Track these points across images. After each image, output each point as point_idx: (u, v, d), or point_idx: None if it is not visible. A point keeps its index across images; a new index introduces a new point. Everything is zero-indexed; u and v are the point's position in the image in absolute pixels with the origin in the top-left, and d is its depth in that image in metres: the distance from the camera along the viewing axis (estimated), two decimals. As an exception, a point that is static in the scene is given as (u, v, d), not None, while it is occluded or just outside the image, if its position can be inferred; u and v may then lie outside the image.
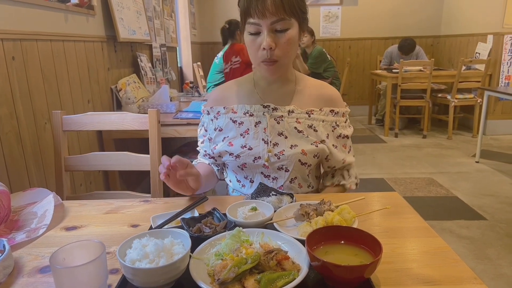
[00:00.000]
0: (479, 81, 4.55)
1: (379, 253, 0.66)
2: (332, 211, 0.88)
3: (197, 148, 1.29)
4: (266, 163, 1.11)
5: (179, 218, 0.89)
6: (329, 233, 0.74)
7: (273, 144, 1.11)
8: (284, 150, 1.10)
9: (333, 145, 1.15)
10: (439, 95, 4.83)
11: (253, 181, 1.15)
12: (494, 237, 2.30)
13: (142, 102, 2.66)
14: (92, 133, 2.25)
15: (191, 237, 0.80)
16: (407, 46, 5.05)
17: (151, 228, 0.89)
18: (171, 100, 2.83)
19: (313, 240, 0.72)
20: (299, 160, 1.11)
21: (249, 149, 1.11)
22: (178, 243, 0.73)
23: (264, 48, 1.00)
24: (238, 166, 1.15)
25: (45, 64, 1.76)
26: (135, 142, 2.70)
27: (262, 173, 1.14)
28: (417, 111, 5.32)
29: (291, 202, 0.96)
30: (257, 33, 1.01)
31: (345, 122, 1.18)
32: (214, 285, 0.66)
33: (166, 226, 0.87)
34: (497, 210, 2.66)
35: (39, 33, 1.72)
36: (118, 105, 2.59)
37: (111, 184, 2.46)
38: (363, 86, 6.24)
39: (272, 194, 0.99)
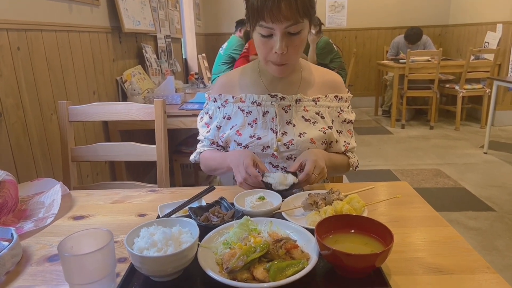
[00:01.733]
0: (488, 71, 4.48)
1: (390, 242, 0.65)
2: (341, 200, 0.87)
3: (199, 137, 1.27)
4: (275, 152, 1.10)
5: (186, 208, 0.88)
6: (338, 222, 0.73)
7: (281, 133, 1.10)
8: (293, 140, 1.09)
9: (337, 130, 1.15)
10: (447, 85, 4.77)
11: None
12: (502, 228, 2.28)
13: (148, 94, 2.66)
14: (98, 124, 2.25)
15: (198, 226, 0.79)
16: (413, 35, 4.98)
17: (158, 217, 0.88)
18: (176, 91, 2.81)
19: (323, 229, 0.71)
20: (308, 149, 1.09)
21: (258, 138, 1.10)
22: (186, 232, 0.72)
23: (276, 52, 0.98)
24: None
25: (50, 54, 1.75)
26: (141, 133, 2.70)
27: (270, 163, 1.13)
28: (424, 102, 5.25)
29: (295, 182, 0.95)
30: (269, 35, 0.98)
31: (348, 108, 1.19)
32: (222, 273, 0.66)
33: (173, 216, 0.86)
34: (506, 202, 2.63)
35: (43, 23, 1.71)
36: (123, 97, 2.58)
37: (118, 175, 2.47)
38: (369, 77, 6.17)
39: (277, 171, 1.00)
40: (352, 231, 0.73)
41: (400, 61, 4.84)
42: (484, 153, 3.65)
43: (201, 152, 1.25)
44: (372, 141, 4.26)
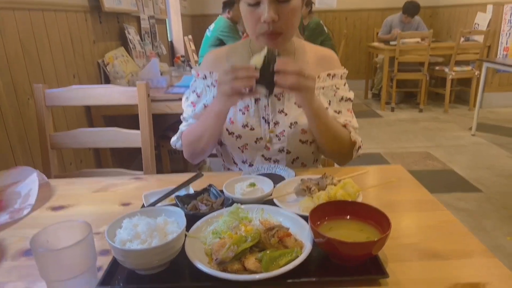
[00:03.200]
0: (477, 53, 4.48)
1: (387, 228, 0.62)
2: (335, 185, 0.83)
3: (183, 116, 1.15)
4: (267, 144, 1.05)
5: (173, 196, 0.84)
6: (333, 208, 0.70)
7: (274, 123, 1.04)
8: (284, 131, 1.04)
9: (335, 111, 1.07)
10: (437, 67, 4.76)
11: (252, 165, 1.08)
12: (490, 209, 2.30)
13: (132, 77, 2.56)
14: (80, 109, 2.16)
15: (186, 215, 0.75)
16: (412, 8, 4.89)
17: (143, 206, 0.83)
18: (161, 75, 2.72)
19: (317, 216, 0.67)
20: (300, 140, 1.05)
21: (251, 129, 1.05)
22: (172, 222, 0.68)
23: (264, 21, 0.90)
24: (238, 148, 1.08)
25: (24, 35, 1.65)
26: (126, 119, 2.62)
27: (262, 155, 1.08)
28: (414, 84, 5.25)
29: (272, 52, 0.83)
30: (256, 4, 0.91)
31: (344, 85, 1.11)
32: (212, 265, 0.62)
33: (159, 204, 0.82)
34: (493, 183, 2.66)
35: (15, 1, 1.60)
36: (106, 80, 2.48)
37: (103, 162, 2.39)
38: (359, 59, 6.12)
39: None
40: (348, 217, 0.69)
41: (391, 43, 4.80)
42: (472, 135, 3.67)
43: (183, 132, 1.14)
44: (362, 124, 4.24)
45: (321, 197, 0.77)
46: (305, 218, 0.72)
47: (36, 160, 1.65)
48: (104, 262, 0.67)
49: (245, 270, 0.60)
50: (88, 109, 2.25)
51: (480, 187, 2.59)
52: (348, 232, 0.67)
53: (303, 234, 0.68)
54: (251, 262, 0.60)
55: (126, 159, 2.79)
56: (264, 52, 0.83)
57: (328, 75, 1.08)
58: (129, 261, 0.60)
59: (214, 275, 0.58)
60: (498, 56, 4.58)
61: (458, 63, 4.56)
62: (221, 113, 0.95)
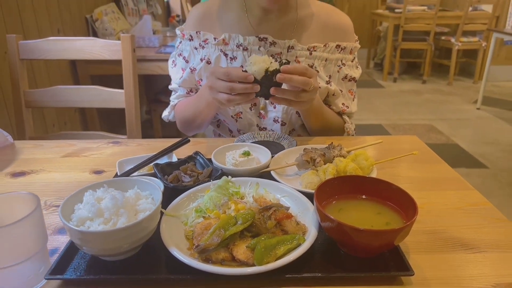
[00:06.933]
0: (485, 23, 4.26)
1: (412, 213, 0.50)
2: (344, 157, 0.71)
3: (172, 87, 1.04)
4: (262, 111, 0.93)
5: (152, 164, 0.71)
6: (343, 185, 0.57)
7: None
8: None
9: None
10: (443, 37, 4.54)
11: None
12: (495, 186, 2.21)
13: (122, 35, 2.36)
14: (64, 67, 1.98)
15: (166, 187, 0.63)
16: None
17: (116, 175, 0.71)
18: (154, 34, 2.52)
19: (324, 194, 0.55)
20: (297, 112, 0.92)
21: None
22: (145, 196, 0.55)
23: None
24: (232, 117, 0.94)
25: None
26: (117, 80, 2.44)
27: (257, 125, 0.96)
28: (418, 55, 5.04)
29: (276, 69, 0.70)
30: None
31: (352, 61, 0.96)
32: (192, 252, 0.50)
33: (135, 174, 0.69)
34: (499, 159, 2.55)
35: None
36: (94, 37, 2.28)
37: (90, 125, 2.25)
38: (362, 27, 5.82)
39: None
40: (362, 196, 0.57)
41: (396, 10, 4.55)
42: (477, 108, 3.54)
43: (175, 105, 1.02)
44: (363, 95, 4.08)
45: (328, 170, 0.65)
46: (308, 195, 0.60)
47: (13, 120, 1.50)
48: (62, 243, 0.55)
49: (233, 260, 0.48)
50: (74, 67, 2.07)
51: (485, 163, 2.49)
52: (362, 215, 0.55)
53: (306, 216, 0.56)
54: (241, 250, 0.48)
55: (117, 123, 2.64)
56: (267, 62, 0.71)
57: (337, 46, 0.92)
58: (87, 245, 0.48)
59: (193, 266, 0.46)
60: (506, 27, 4.36)
61: (465, 33, 4.36)
62: (213, 103, 0.84)
